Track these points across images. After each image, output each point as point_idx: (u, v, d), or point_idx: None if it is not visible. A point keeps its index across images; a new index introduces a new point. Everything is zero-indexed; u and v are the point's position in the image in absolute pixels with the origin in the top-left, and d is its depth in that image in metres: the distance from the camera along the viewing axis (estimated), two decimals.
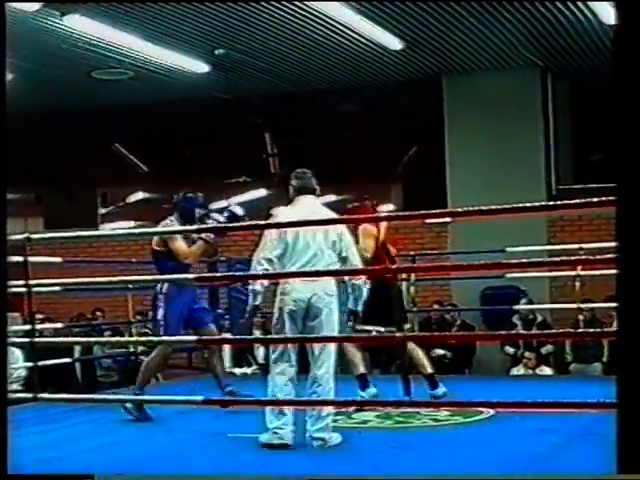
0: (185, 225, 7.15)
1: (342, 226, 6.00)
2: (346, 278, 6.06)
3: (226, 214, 7.30)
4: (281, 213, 5.99)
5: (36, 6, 9.18)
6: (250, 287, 5.88)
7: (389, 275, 7.37)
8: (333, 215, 5.99)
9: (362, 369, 7.42)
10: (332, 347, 5.89)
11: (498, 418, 6.58)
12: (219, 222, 7.20)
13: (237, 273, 9.17)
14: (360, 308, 6.07)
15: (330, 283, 5.90)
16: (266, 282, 5.93)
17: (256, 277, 5.92)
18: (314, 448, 5.72)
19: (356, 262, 6.02)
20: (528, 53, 11.73)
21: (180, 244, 7.07)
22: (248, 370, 10.70)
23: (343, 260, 5.89)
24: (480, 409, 6.77)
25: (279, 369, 5.79)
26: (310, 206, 5.95)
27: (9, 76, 11.86)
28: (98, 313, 12.65)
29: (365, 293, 6.03)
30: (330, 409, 5.85)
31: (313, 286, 5.78)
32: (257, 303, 5.83)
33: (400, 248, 8.09)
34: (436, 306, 11.88)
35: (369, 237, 7.47)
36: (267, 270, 5.73)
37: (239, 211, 7.37)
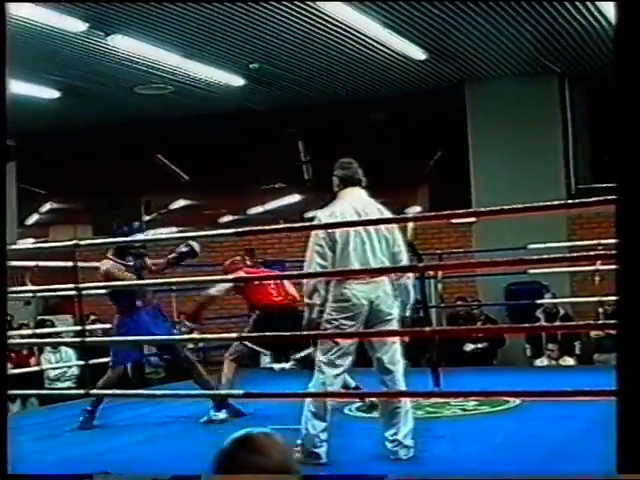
0: (122, 257, 6.98)
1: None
2: (393, 277, 5.25)
3: (184, 248, 7.14)
4: (326, 212, 5.26)
5: (82, 27, 9.24)
6: (307, 301, 5.18)
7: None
8: (383, 208, 5.31)
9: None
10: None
11: (524, 407, 6.55)
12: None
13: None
14: (409, 313, 5.34)
15: (389, 283, 5.23)
16: (323, 293, 5.13)
17: (309, 275, 5.33)
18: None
19: (405, 258, 5.34)
20: (546, 60, 11.66)
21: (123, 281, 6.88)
22: (286, 365, 10.70)
23: (393, 256, 5.22)
24: (507, 398, 6.74)
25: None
26: (359, 200, 5.26)
27: (57, 93, 11.98)
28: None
29: (412, 295, 5.35)
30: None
31: (374, 287, 5.16)
32: (315, 317, 5.15)
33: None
34: (459, 302, 11.88)
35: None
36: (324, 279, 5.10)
37: (196, 247, 7.16)
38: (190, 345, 10.75)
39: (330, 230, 5.10)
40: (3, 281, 2.88)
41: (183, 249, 7.16)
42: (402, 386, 5.19)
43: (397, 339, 5.26)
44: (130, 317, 6.93)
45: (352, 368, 5.31)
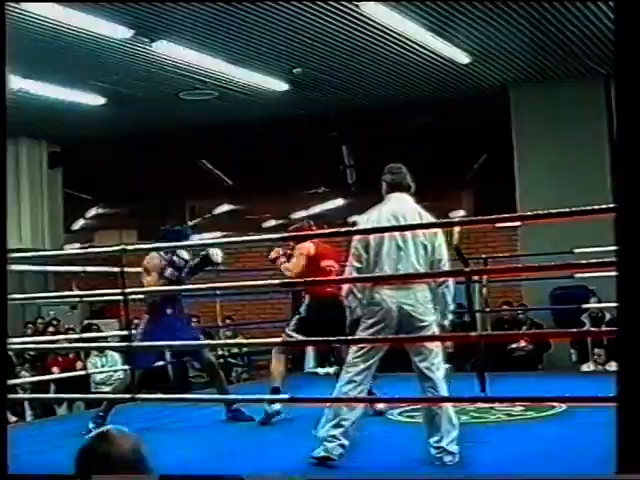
0: (172, 257, 7.03)
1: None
2: (432, 284, 5.19)
3: (202, 253, 7.15)
4: (366, 217, 5.30)
5: (128, 34, 9.34)
6: (345, 302, 5.31)
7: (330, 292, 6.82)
8: (426, 214, 5.27)
9: (278, 383, 7.00)
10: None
11: (570, 412, 6.49)
12: (187, 261, 7.11)
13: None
14: (447, 322, 5.26)
15: (425, 290, 5.17)
16: (360, 295, 5.19)
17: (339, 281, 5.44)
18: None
19: (446, 267, 5.27)
20: (590, 62, 11.57)
21: (149, 280, 6.97)
22: (330, 370, 10.71)
23: (432, 264, 5.15)
24: (553, 404, 6.69)
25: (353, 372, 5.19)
26: (401, 206, 5.22)
27: (103, 100, 12.11)
28: (193, 319, 12.82)
29: (452, 303, 5.25)
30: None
31: (405, 293, 5.15)
32: (355, 317, 5.21)
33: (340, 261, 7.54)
34: (505, 307, 11.82)
35: (301, 256, 7.11)
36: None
37: (218, 258, 7.15)
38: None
39: (366, 237, 5.17)
40: (3, 283, 2.90)
41: (202, 255, 7.17)
42: (443, 393, 5.13)
43: (436, 345, 5.20)
44: (158, 323, 6.95)
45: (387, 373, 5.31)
